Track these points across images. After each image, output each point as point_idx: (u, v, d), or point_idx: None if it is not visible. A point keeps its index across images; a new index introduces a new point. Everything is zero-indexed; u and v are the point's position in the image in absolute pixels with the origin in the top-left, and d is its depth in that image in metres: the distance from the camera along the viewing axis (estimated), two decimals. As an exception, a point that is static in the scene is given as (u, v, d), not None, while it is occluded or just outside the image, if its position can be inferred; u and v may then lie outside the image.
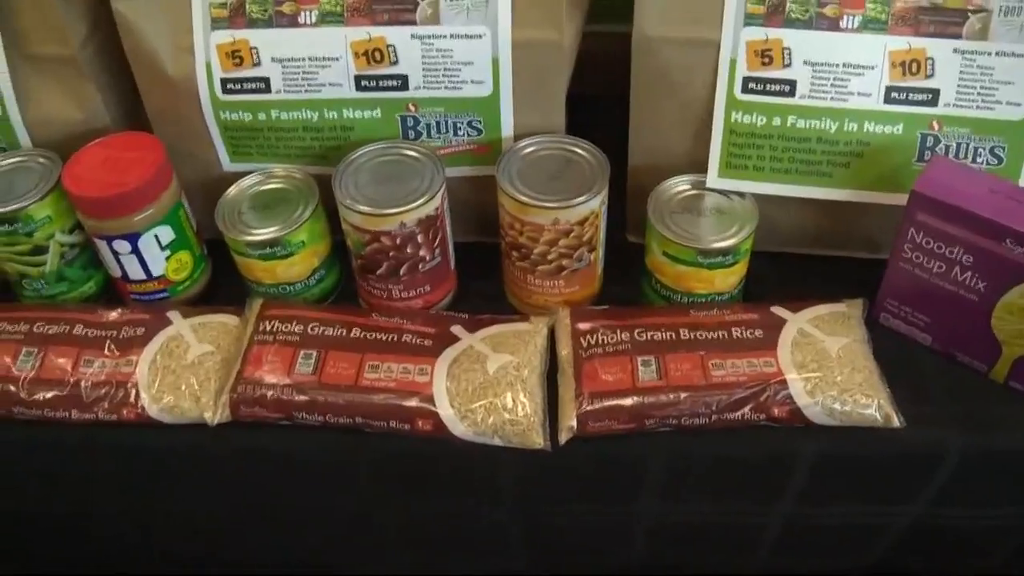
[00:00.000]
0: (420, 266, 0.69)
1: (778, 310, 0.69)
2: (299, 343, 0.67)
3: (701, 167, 0.71)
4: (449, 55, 0.68)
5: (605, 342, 0.67)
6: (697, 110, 0.69)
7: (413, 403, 0.64)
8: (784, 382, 0.64)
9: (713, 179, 0.71)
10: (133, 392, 0.67)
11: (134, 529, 0.80)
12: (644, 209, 0.70)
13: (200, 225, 0.75)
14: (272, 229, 0.69)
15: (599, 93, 0.77)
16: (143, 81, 0.71)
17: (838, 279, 0.73)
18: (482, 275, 0.75)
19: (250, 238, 0.69)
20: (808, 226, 0.75)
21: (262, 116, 0.71)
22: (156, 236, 0.71)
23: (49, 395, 0.68)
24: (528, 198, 0.65)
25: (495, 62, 0.68)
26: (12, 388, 0.68)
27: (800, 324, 0.68)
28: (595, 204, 0.66)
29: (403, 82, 0.69)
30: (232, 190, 0.72)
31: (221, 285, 0.77)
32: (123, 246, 0.70)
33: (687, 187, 0.71)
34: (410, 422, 0.64)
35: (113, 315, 0.71)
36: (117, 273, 0.73)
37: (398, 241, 0.66)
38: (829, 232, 0.75)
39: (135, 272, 0.72)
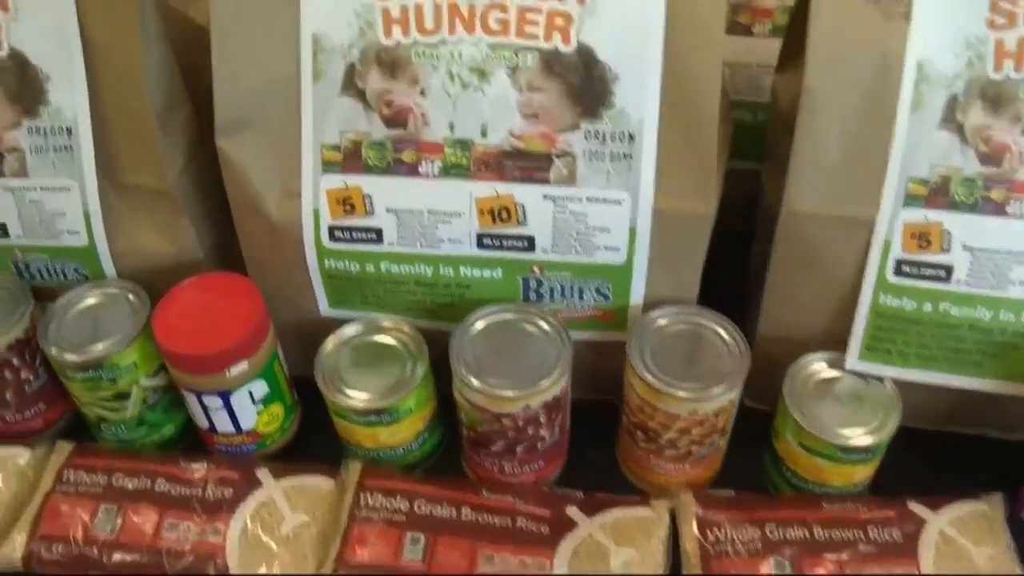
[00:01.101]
0: (539, 445, 0.64)
1: (916, 507, 0.64)
2: (405, 524, 0.62)
3: (836, 343, 0.66)
4: (583, 219, 0.62)
5: (735, 539, 0.62)
6: (841, 288, 0.64)
7: (533, 606, 0.59)
8: (933, 603, 0.59)
9: (853, 361, 0.66)
10: (222, 566, 0.62)
11: None
12: (768, 379, 0.65)
13: (291, 366, 0.70)
14: (378, 396, 0.63)
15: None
16: (243, 222, 0.66)
17: (971, 461, 0.69)
18: (595, 441, 0.70)
19: (354, 404, 0.63)
20: (942, 407, 0.70)
21: (370, 267, 0.66)
22: (250, 392, 0.65)
23: (129, 559, 0.63)
24: (664, 385, 0.60)
25: (632, 230, 0.62)
26: (92, 552, 0.63)
27: (941, 526, 0.63)
28: (734, 395, 0.61)
29: (530, 243, 0.64)
30: (331, 342, 0.66)
31: (311, 433, 0.72)
32: (214, 401, 0.65)
33: (823, 367, 0.66)
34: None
35: (198, 471, 0.66)
36: (204, 425, 0.67)
37: (520, 423, 0.61)
38: (964, 413, 0.70)
39: (224, 425, 0.67)
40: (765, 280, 0.67)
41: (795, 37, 0.67)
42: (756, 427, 0.69)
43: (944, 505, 0.65)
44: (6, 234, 0.69)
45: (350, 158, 0.63)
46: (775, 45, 0.71)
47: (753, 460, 0.70)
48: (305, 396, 0.71)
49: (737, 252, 0.77)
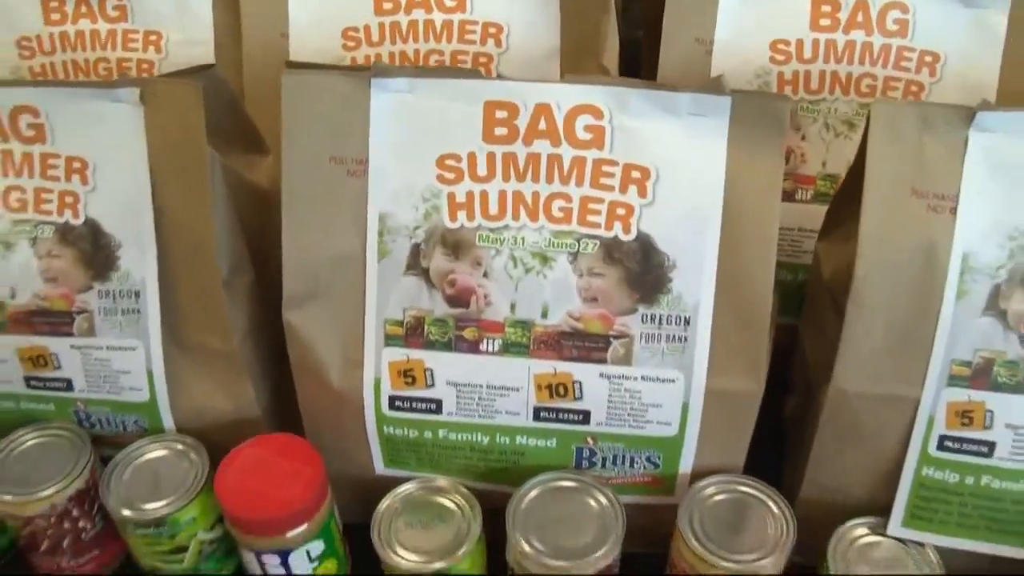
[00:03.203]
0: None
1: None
2: None
3: (877, 508, 0.68)
4: (637, 396, 0.64)
5: None
6: (885, 459, 0.66)
7: None
8: None
9: (896, 528, 0.67)
10: None
11: None
12: (806, 535, 0.67)
13: (342, 512, 0.72)
14: (433, 559, 0.65)
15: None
16: (305, 387, 0.68)
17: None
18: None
19: (407, 565, 0.65)
20: (983, 567, 0.72)
21: (428, 434, 0.68)
22: (307, 551, 0.67)
23: None
24: (713, 555, 0.62)
25: (685, 407, 0.64)
26: None
27: None
28: (780, 566, 0.63)
29: (585, 417, 0.66)
30: (387, 501, 0.68)
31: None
32: (272, 559, 0.67)
33: (865, 532, 0.68)
34: None
35: (252, 626, 0.68)
36: (260, 579, 0.69)
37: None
38: (1002, 570, 0.72)
39: (281, 583, 0.68)
40: (806, 442, 0.69)
41: (839, 209, 0.70)
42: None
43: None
44: (71, 388, 0.71)
45: (412, 333, 0.65)
46: (815, 210, 0.74)
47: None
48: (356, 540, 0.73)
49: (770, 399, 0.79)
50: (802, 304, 0.77)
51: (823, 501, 0.69)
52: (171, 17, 0.83)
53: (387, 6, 0.80)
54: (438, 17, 0.80)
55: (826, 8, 0.75)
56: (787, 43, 0.76)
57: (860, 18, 0.75)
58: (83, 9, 0.83)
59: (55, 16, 0.83)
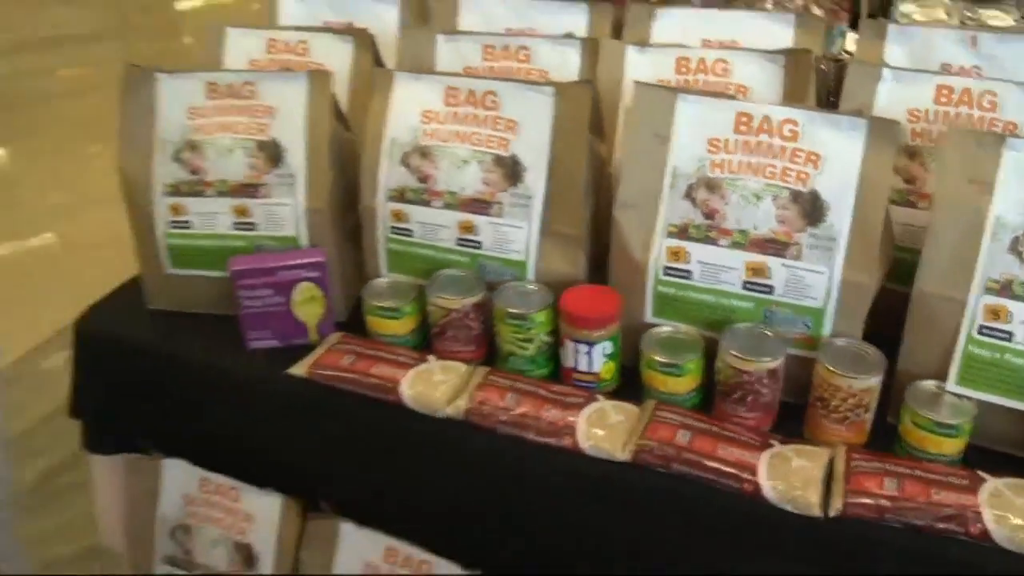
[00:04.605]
0: (760, 400, 1.15)
1: (982, 473, 1.09)
2: (679, 424, 1.14)
3: (941, 375, 1.14)
4: (802, 280, 1.16)
5: (866, 467, 1.10)
6: (946, 340, 1.13)
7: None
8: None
9: (951, 385, 1.13)
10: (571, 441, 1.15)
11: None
12: (902, 399, 1.13)
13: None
14: (672, 357, 1.17)
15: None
16: (616, 259, 1.24)
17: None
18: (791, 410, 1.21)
19: (658, 359, 1.17)
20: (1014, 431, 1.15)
21: (682, 292, 1.21)
22: (603, 348, 1.20)
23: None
24: (834, 370, 1.11)
25: (828, 290, 1.15)
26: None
27: (997, 483, 1.08)
28: (872, 383, 1.11)
29: (771, 290, 1.17)
30: (648, 335, 1.22)
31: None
32: (583, 347, 1.20)
33: (931, 386, 1.14)
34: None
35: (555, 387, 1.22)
36: (570, 364, 1.23)
37: (753, 380, 1.13)
38: None
39: (583, 366, 1.22)
40: (903, 338, 1.17)
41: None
42: (892, 428, 1.17)
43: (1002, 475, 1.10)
44: (479, 247, 1.29)
45: (682, 233, 1.20)
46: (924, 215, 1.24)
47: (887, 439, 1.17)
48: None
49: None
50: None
51: (907, 369, 1.16)
52: (558, 68, 1.45)
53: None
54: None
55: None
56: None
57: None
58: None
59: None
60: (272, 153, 1.34)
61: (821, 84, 1.38)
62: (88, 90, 5.42)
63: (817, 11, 1.91)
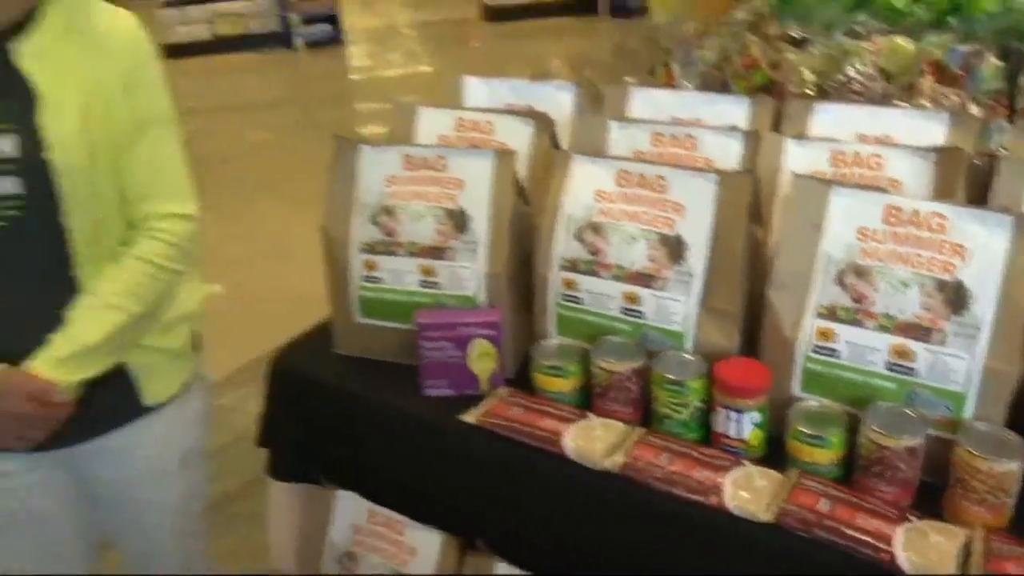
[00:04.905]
0: (899, 476, 1.23)
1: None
2: (821, 492, 1.23)
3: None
4: (945, 364, 1.23)
5: (1005, 552, 1.15)
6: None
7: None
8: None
9: (1090, 476, 1.18)
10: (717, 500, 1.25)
11: None
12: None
13: (766, 418, 1.35)
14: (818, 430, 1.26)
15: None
16: (768, 334, 1.34)
17: None
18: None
19: (804, 430, 1.26)
20: None
21: (832, 371, 1.30)
22: (751, 417, 1.30)
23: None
24: (977, 452, 1.18)
25: (969, 374, 1.22)
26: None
27: None
28: (1015, 467, 1.17)
29: (914, 373, 1.25)
30: (797, 409, 1.31)
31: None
32: (734, 415, 1.31)
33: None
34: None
35: (708, 453, 1.32)
36: (721, 429, 1.33)
37: (895, 457, 1.21)
38: None
39: (732, 432, 1.32)
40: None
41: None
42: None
43: None
44: (642, 317, 1.42)
45: (831, 315, 1.29)
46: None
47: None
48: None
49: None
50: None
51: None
52: (721, 157, 1.58)
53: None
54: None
55: None
56: None
57: None
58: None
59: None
60: (459, 221, 1.51)
61: (976, 178, 1.46)
62: (267, 151, 5.93)
63: (975, 108, 1.98)
